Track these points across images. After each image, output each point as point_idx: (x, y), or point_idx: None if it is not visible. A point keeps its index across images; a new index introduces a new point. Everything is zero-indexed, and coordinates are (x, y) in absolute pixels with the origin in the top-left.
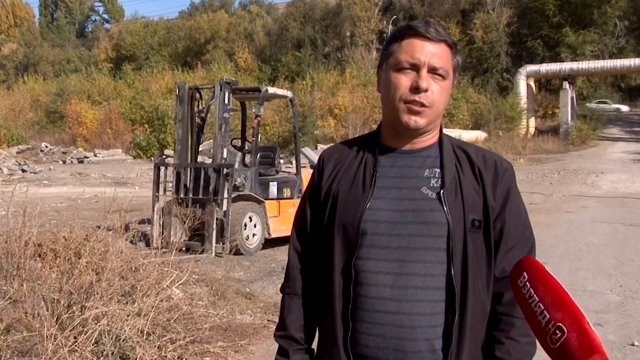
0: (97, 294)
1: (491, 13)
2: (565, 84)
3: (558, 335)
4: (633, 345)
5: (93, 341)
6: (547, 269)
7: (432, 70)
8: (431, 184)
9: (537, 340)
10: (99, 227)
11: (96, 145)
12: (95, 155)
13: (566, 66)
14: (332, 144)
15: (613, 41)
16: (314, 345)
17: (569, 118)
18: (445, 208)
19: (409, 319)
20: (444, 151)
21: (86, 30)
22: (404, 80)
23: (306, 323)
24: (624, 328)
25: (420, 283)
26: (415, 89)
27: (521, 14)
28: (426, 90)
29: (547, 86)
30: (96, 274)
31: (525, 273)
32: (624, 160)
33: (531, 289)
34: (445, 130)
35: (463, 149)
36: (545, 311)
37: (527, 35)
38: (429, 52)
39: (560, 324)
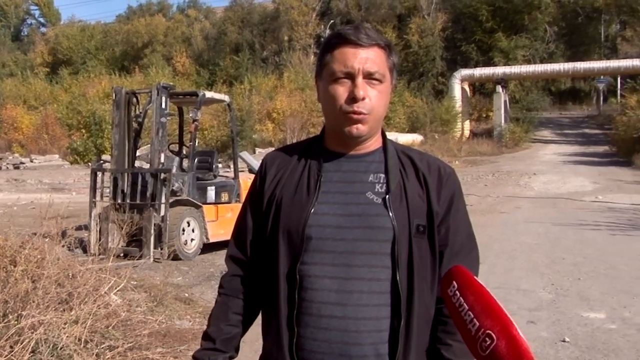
0: (33, 302)
1: (427, 18)
2: (499, 88)
3: (488, 343)
4: (564, 341)
5: (30, 350)
6: (476, 277)
7: (368, 76)
8: (376, 189)
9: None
10: (35, 234)
11: (32, 151)
12: (32, 161)
13: (499, 70)
14: (272, 148)
15: (543, 46)
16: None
17: (502, 121)
18: (390, 213)
19: (354, 324)
20: (388, 156)
21: (22, 34)
22: (341, 91)
23: (233, 323)
24: (555, 325)
25: (366, 287)
26: (352, 99)
27: (456, 19)
28: (363, 99)
29: (481, 90)
30: (32, 282)
31: (454, 282)
32: (555, 162)
33: (461, 298)
34: None
35: (407, 154)
36: (475, 319)
37: (462, 39)
38: (362, 58)
39: (490, 332)
